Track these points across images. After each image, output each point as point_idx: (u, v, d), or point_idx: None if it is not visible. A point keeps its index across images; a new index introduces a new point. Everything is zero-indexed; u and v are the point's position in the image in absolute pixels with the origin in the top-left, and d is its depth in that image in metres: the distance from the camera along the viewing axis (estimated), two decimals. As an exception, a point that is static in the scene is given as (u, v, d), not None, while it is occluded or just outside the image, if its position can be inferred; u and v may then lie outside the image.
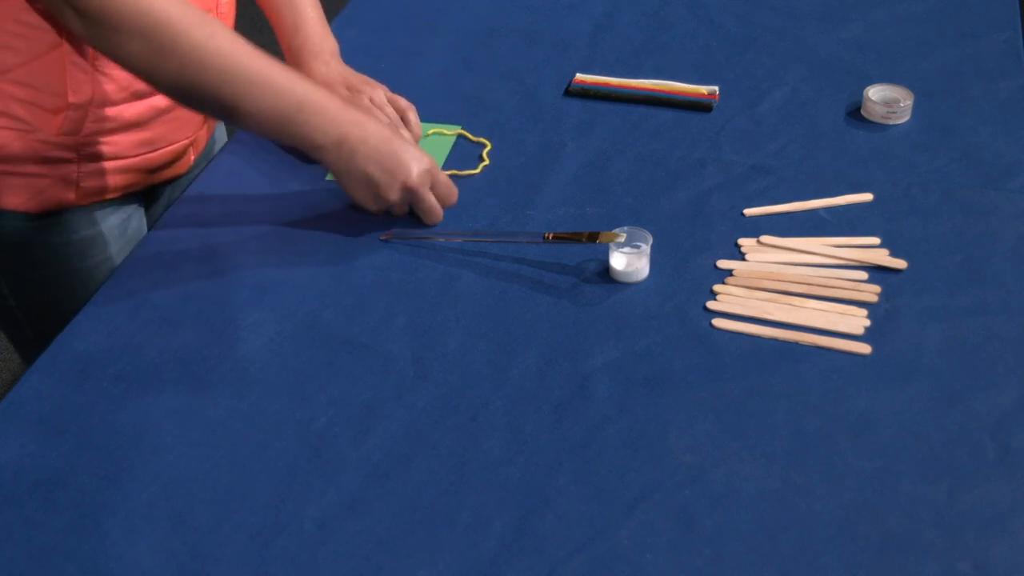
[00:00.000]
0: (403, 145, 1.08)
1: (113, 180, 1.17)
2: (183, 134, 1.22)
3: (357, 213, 1.14)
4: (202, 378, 0.95)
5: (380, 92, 1.23)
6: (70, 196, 1.14)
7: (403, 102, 1.24)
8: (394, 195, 1.08)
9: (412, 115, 1.23)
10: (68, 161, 1.11)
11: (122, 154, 1.15)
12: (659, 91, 1.33)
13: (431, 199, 1.10)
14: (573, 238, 1.07)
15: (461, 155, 1.23)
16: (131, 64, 1.00)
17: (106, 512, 0.83)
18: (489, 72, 1.39)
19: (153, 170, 1.21)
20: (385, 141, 1.06)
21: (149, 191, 1.26)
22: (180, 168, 1.26)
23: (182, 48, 0.98)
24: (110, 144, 1.13)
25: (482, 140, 1.25)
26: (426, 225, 1.12)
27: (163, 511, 0.83)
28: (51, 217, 1.15)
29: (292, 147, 1.16)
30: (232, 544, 0.80)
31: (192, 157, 1.27)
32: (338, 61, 1.25)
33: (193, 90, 1.01)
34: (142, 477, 0.86)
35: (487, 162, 1.22)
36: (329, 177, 1.20)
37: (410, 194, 1.08)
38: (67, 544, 0.81)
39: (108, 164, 1.15)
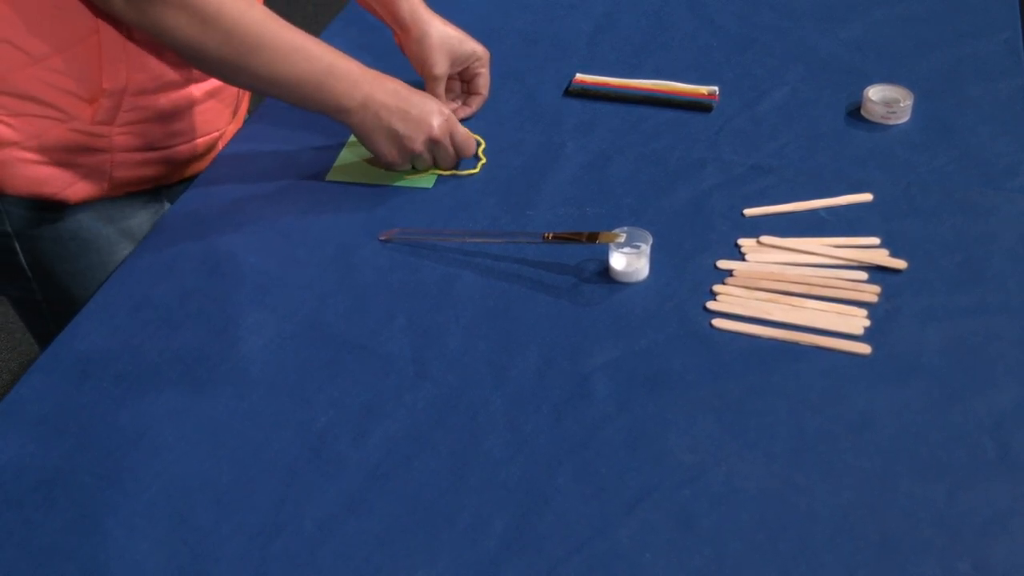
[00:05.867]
0: (422, 99, 1.14)
1: (145, 171, 1.18)
2: (214, 126, 1.23)
3: (357, 213, 1.14)
4: (202, 378, 0.95)
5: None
6: (103, 186, 1.15)
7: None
8: (419, 147, 1.15)
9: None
10: (101, 151, 1.12)
11: (155, 145, 1.16)
12: (659, 91, 1.33)
13: (451, 149, 1.17)
14: (573, 238, 1.07)
15: (461, 155, 1.23)
16: (175, 37, 1.02)
17: (106, 512, 0.83)
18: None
19: (183, 162, 1.22)
20: (405, 98, 1.13)
21: (177, 185, 1.27)
22: (209, 162, 1.26)
23: (225, 19, 1.02)
24: (143, 135, 1.14)
25: (475, 137, 1.25)
26: (428, 227, 1.12)
27: (163, 511, 0.83)
28: (82, 208, 1.16)
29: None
30: (232, 544, 0.80)
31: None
32: None
33: (233, 60, 1.05)
34: (142, 477, 0.86)
35: (484, 160, 1.22)
36: (329, 177, 1.20)
37: (433, 144, 1.15)
38: (67, 544, 0.81)
39: (141, 155, 1.16)
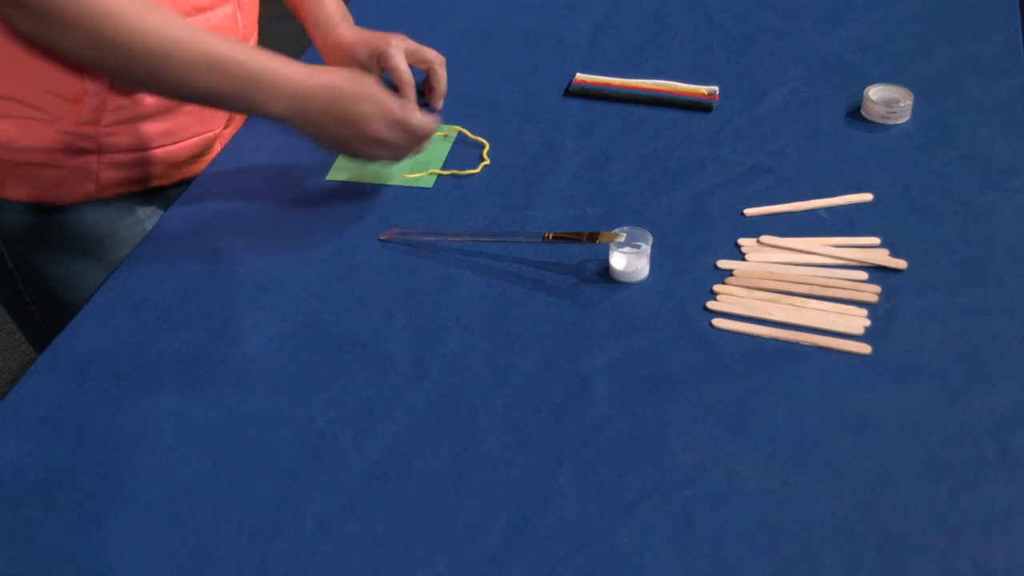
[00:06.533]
0: (358, 96, 1.05)
1: (134, 172, 1.17)
2: (208, 126, 1.21)
3: (357, 213, 1.14)
4: (202, 378, 0.95)
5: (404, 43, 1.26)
6: (89, 187, 1.14)
7: (430, 53, 1.27)
8: (364, 148, 1.08)
9: (440, 69, 1.27)
10: (89, 151, 1.11)
11: (144, 145, 1.15)
12: (659, 91, 1.33)
13: (408, 137, 1.08)
14: (573, 238, 1.07)
15: (461, 155, 1.23)
16: (78, 57, 1.00)
17: (106, 512, 0.83)
18: (489, 72, 1.39)
19: (176, 164, 1.21)
20: (338, 98, 1.05)
21: (171, 189, 1.25)
22: (205, 164, 1.25)
23: (126, 39, 0.97)
24: (131, 134, 1.13)
25: (480, 140, 1.25)
26: (428, 227, 1.12)
27: (163, 511, 0.83)
28: (69, 211, 1.15)
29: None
30: (232, 544, 0.80)
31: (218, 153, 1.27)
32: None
33: (145, 77, 1.01)
34: (142, 477, 0.86)
35: (487, 162, 1.22)
36: (329, 176, 1.20)
37: (390, 134, 1.07)
38: (67, 544, 0.81)
39: (129, 156, 1.15)
